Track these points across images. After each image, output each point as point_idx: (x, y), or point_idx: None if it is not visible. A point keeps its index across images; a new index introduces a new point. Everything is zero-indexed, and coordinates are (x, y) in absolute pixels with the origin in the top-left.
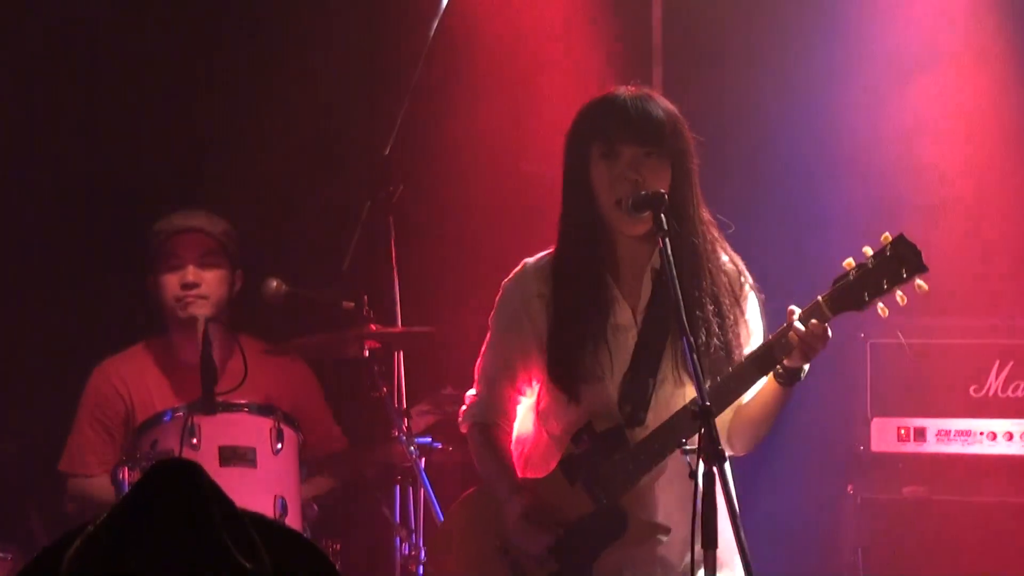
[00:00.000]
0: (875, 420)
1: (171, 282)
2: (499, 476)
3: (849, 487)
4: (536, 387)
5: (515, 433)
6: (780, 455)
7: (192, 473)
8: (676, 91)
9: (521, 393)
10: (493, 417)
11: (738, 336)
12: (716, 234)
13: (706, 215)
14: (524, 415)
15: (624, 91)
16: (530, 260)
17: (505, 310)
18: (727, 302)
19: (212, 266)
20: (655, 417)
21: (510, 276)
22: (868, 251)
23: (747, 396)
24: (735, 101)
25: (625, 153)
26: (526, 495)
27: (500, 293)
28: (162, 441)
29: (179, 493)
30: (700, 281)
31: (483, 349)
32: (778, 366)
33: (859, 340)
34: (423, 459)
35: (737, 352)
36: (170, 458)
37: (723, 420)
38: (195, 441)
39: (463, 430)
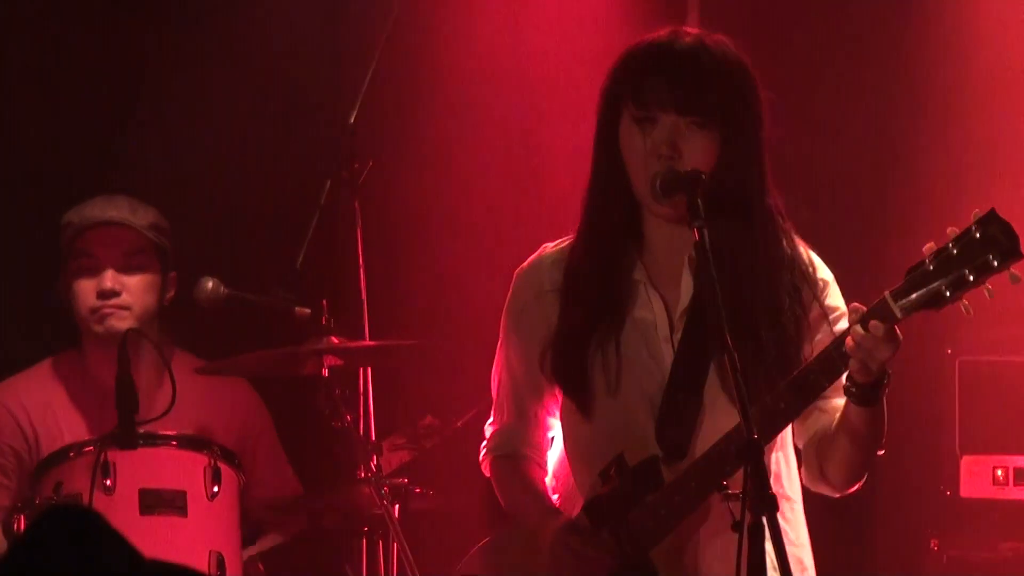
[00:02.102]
0: (965, 459)
1: (85, 289)
2: (529, 504)
3: (933, 542)
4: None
5: (551, 477)
6: (846, 502)
7: (86, 522)
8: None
9: (551, 413)
10: (521, 448)
11: (801, 348)
12: (783, 224)
13: (772, 201)
14: (559, 455)
15: (671, 36)
16: (549, 245)
17: (516, 307)
18: (790, 308)
19: (137, 269)
20: (702, 449)
21: (524, 264)
22: (952, 232)
23: (827, 420)
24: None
25: (662, 120)
26: (564, 517)
27: (511, 286)
28: (68, 483)
29: (69, 549)
30: (754, 281)
31: (495, 361)
32: (848, 382)
33: (946, 357)
34: (396, 506)
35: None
36: (58, 503)
37: (810, 443)
38: (109, 483)
39: (484, 468)
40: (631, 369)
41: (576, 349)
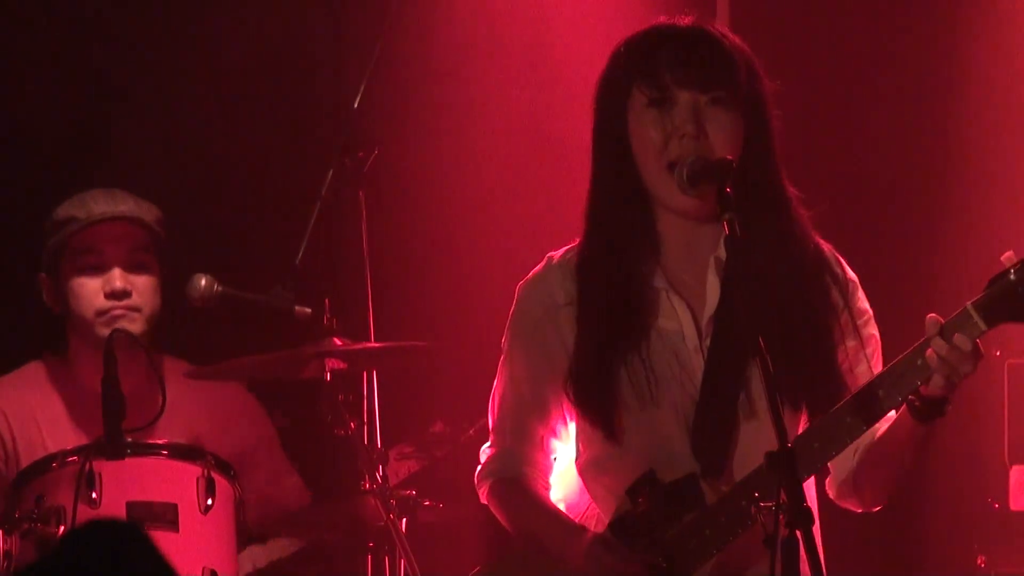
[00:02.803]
0: (1015, 469)
1: (89, 288)
2: (545, 520)
3: (980, 558)
4: (573, 430)
5: (556, 497)
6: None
7: (128, 540)
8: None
9: (556, 435)
10: (520, 469)
11: (837, 352)
12: (804, 213)
13: (790, 188)
14: (566, 476)
15: (671, 20)
16: (555, 254)
17: (523, 322)
18: (822, 308)
19: (143, 268)
20: (740, 463)
21: (528, 276)
22: None
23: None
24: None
25: (682, 99)
26: (592, 534)
27: (516, 299)
28: (50, 495)
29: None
30: (786, 279)
31: (497, 379)
32: (912, 396)
33: (994, 360)
34: (404, 519)
35: (844, 375)
36: (100, 520)
37: (844, 454)
38: (94, 495)
39: (481, 496)
40: (661, 383)
41: (602, 372)
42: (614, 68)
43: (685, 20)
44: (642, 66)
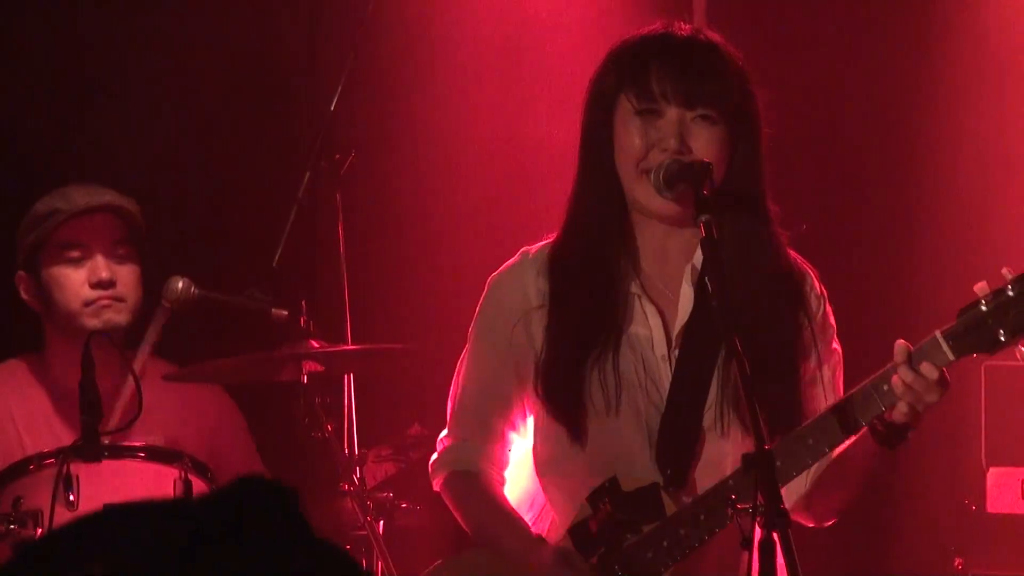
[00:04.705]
0: (992, 471)
1: (74, 280)
2: (505, 527)
3: (957, 561)
4: (532, 425)
5: (510, 492)
6: (865, 518)
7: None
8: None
9: (515, 429)
10: (477, 463)
11: (808, 367)
12: (783, 233)
13: (773, 207)
14: (519, 469)
15: (667, 29)
16: (531, 249)
17: (493, 315)
18: (791, 321)
19: (125, 259)
20: (702, 476)
21: (502, 268)
22: (1008, 273)
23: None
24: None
25: (669, 113)
26: (549, 546)
27: (486, 290)
28: (28, 498)
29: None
30: (758, 289)
31: (459, 370)
32: (876, 420)
33: (971, 362)
34: (381, 522)
35: (804, 392)
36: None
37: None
38: (72, 498)
39: (435, 484)
40: (627, 390)
41: (571, 371)
42: (606, 71)
43: (684, 30)
44: (633, 75)
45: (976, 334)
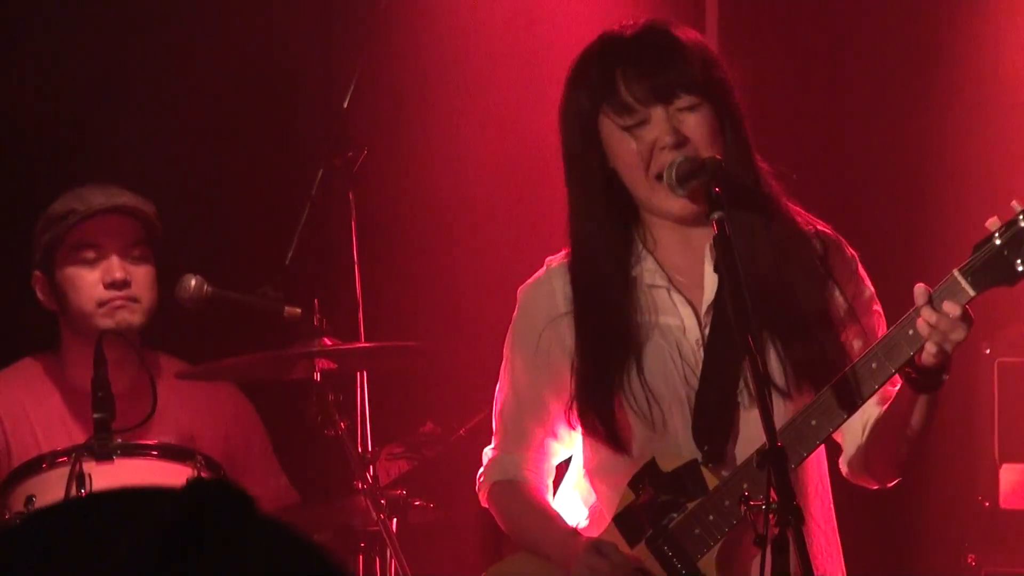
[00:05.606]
0: (1005, 467)
1: (88, 280)
2: (541, 527)
3: (970, 557)
4: (578, 434)
5: (559, 501)
6: (878, 514)
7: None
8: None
9: (556, 438)
10: (517, 472)
11: (839, 329)
12: (776, 186)
13: (763, 165)
14: (574, 480)
15: (617, 32)
16: (553, 259)
17: (524, 327)
18: (823, 289)
19: (141, 260)
20: (740, 449)
21: (529, 281)
22: (1017, 205)
23: (873, 407)
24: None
25: (653, 116)
26: (585, 539)
27: (518, 304)
28: (41, 496)
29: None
30: (771, 259)
31: (499, 385)
32: (908, 367)
33: (984, 358)
34: (395, 520)
35: (848, 351)
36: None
37: (853, 431)
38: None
39: (481, 500)
40: (663, 401)
41: (604, 404)
42: (576, 96)
43: (629, 29)
44: (604, 92)
45: (994, 267)
